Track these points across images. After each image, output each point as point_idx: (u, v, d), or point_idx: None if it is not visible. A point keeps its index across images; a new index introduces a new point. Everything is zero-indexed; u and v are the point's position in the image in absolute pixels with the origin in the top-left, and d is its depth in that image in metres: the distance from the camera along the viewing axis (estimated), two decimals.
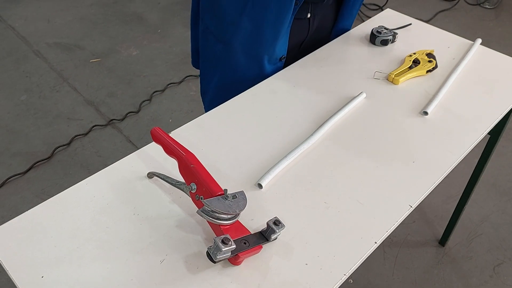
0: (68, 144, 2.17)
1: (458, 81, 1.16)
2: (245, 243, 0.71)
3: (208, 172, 0.76)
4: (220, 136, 0.98)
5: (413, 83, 1.15)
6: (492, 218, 1.86)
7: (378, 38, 1.26)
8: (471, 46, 1.28)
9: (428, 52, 1.23)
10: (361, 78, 1.16)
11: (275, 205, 0.84)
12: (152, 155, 0.92)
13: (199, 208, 0.73)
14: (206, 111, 1.09)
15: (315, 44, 1.25)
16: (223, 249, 0.65)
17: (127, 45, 2.83)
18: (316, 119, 1.03)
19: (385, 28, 1.29)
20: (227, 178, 0.88)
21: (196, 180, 0.75)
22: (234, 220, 0.72)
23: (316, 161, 0.93)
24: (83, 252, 0.74)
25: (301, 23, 1.15)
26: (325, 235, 0.80)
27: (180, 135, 0.97)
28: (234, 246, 0.67)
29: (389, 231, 0.82)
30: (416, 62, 1.19)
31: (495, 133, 1.33)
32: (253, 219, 0.81)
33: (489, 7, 3.27)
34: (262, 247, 0.73)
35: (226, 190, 0.74)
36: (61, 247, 0.75)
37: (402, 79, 1.14)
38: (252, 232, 0.74)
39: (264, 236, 0.75)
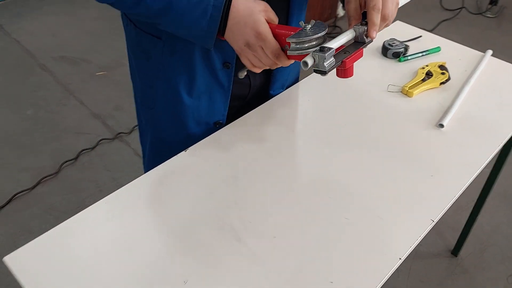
0: (76, 158, 2.16)
1: (472, 92, 1.16)
2: (345, 53, 0.72)
3: (281, 25, 0.78)
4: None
5: (427, 96, 1.15)
6: (504, 228, 1.85)
7: (390, 51, 1.27)
8: (481, 58, 1.28)
9: (440, 64, 1.23)
10: (375, 92, 1.16)
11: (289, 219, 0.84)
12: (167, 172, 0.92)
13: (290, 58, 0.78)
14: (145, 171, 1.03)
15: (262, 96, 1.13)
16: (326, 54, 0.66)
17: None
18: (323, 137, 1.03)
19: (396, 40, 1.29)
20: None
21: (278, 39, 0.77)
22: (323, 42, 0.74)
23: (333, 177, 0.93)
24: (104, 274, 0.74)
25: (239, 80, 1.00)
26: (348, 252, 0.79)
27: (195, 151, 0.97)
28: (334, 48, 0.67)
29: (413, 247, 0.81)
30: (429, 75, 1.19)
31: (508, 143, 1.32)
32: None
33: (491, 16, 3.29)
34: (363, 50, 0.74)
35: (302, 22, 0.76)
36: (82, 269, 0.74)
37: (416, 91, 1.14)
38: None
39: (359, 41, 0.76)
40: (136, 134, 2.27)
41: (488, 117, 1.09)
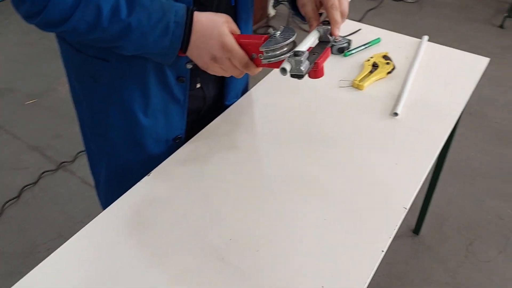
0: (18, 196, 2.02)
1: (417, 78, 1.20)
2: (314, 54, 0.73)
3: (244, 35, 0.79)
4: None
5: (376, 86, 1.18)
6: (456, 200, 1.95)
7: (335, 47, 1.29)
8: (419, 44, 1.34)
9: (383, 54, 1.26)
10: (327, 88, 1.17)
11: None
12: (133, 200, 0.87)
13: (259, 66, 0.78)
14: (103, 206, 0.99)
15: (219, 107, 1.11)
16: (302, 58, 0.67)
17: (64, 81, 2.70)
18: (283, 142, 1.03)
19: (339, 36, 1.31)
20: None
21: (244, 48, 0.77)
22: (294, 47, 0.75)
23: (305, 178, 0.93)
24: None
25: (194, 93, 0.98)
26: (333, 253, 0.79)
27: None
28: (307, 51, 0.68)
29: (392, 237, 0.83)
30: (375, 66, 1.22)
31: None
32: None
33: (411, 1, 3.46)
34: (330, 49, 0.76)
35: (271, 29, 0.77)
36: None
37: (366, 84, 1.17)
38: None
39: (324, 41, 0.78)
40: (81, 161, 2.16)
41: (436, 100, 1.13)
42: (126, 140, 0.97)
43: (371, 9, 3.38)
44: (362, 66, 1.23)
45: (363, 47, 1.32)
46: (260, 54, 0.78)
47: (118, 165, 1.02)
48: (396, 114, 1.08)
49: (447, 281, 1.65)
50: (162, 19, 0.75)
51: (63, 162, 2.17)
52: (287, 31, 0.77)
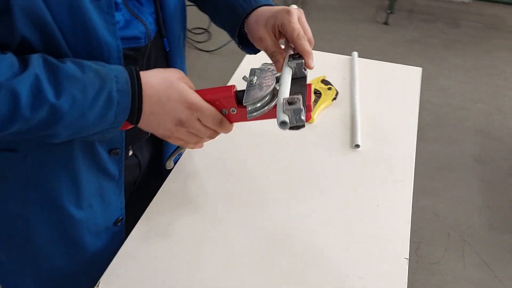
0: None
1: (362, 101, 1.13)
2: (297, 94, 0.61)
3: (205, 89, 0.65)
4: None
5: (326, 116, 1.08)
6: None
7: None
8: (351, 61, 1.27)
9: (321, 78, 1.17)
10: (274, 130, 1.03)
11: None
12: None
13: (233, 121, 0.67)
14: None
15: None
16: (301, 107, 0.56)
17: None
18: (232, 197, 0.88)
19: (270, 64, 1.19)
20: None
21: (214, 104, 0.65)
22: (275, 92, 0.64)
23: (287, 239, 0.79)
24: None
25: (127, 163, 0.81)
26: None
27: None
28: (301, 96, 0.57)
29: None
30: (317, 93, 1.12)
31: None
32: None
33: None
34: (310, 85, 0.67)
35: (235, 86, 0.65)
36: None
37: (314, 115, 1.06)
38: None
39: (298, 77, 0.66)
40: None
41: (390, 124, 1.06)
42: (56, 243, 0.75)
43: None
44: None
45: None
46: (224, 109, 0.65)
47: (48, 278, 0.78)
48: (357, 146, 0.99)
49: None
50: (102, 90, 0.56)
51: None
52: (263, 74, 0.64)
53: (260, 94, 0.61)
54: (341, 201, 0.87)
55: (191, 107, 0.62)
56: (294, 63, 0.65)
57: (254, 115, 0.63)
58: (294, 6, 0.75)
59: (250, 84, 0.63)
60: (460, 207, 1.97)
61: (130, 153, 0.82)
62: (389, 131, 1.03)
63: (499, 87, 2.74)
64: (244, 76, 0.64)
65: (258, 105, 0.62)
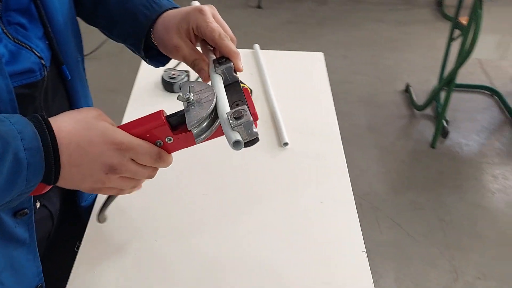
0: None
1: (279, 96, 1.09)
2: (237, 104, 0.54)
3: (129, 123, 0.55)
4: None
5: None
6: None
7: (176, 84, 1.07)
8: (253, 54, 1.23)
9: None
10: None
11: None
12: None
13: (172, 151, 0.57)
14: None
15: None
16: (250, 119, 0.49)
17: None
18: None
19: (170, 70, 1.10)
20: None
21: (145, 137, 0.55)
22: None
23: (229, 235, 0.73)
24: None
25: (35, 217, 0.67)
26: None
27: None
28: (245, 106, 0.51)
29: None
30: (179, 95, 1.05)
31: None
32: None
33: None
34: (247, 88, 0.59)
35: (163, 111, 0.55)
36: None
37: None
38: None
39: (231, 83, 0.58)
40: None
41: (311, 117, 1.04)
42: None
43: None
44: None
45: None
46: (158, 141, 0.55)
47: None
48: (286, 144, 0.95)
49: None
50: (5, 153, 0.44)
51: None
52: (199, 88, 0.54)
53: (204, 112, 0.52)
54: (284, 205, 0.83)
55: (120, 147, 0.52)
56: (222, 68, 0.58)
57: (203, 138, 0.54)
58: (196, 3, 0.67)
59: (188, 103, 0.54)
60: (364, 177, 2.08)
61: (38, 205, 0.68)
62: (312, 124, 1.01)
63: (374, 56, 2.94)
64: (179, 95, 0.54)
65: (204, 125, 0.53)
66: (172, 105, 1.04)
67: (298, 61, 1.23)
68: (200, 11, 0.60)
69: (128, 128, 0.54)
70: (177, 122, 0.55)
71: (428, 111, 2.48)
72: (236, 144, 0.48)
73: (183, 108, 0.54)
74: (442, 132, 2.30)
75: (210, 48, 0.62)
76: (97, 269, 0.71)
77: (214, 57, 0.60)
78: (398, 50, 3.03)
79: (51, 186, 0.51)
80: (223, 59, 0.58)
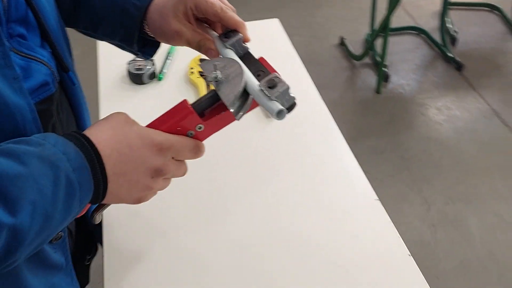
0: None
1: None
2: (259, 75, 0.53)
3: (156, 120, 0.53)
4: None
5: None
6: None
7: (144, 75, 1.03)
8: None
9: (198, 58, 1.08)
10: None
11: None
12: None
13: (203, 139, 0.54)
14: None
15: None
16: (285, 84, 0.49)
17: None
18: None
19: (135, 60, 1.05)
20: None
21: (176, 132, 0.52)
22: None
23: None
24: None
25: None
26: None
27: None
28: (276, 73, 0.50)
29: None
30: (203, 75, 1.04)
31: None
32: None
33: None
34: (262, 57, 0.56)
35: (186, 100, 0.52)
36: None
37: None
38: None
39: (243, 55, 0.56)
40: None
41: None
42: None
43: None
44: (193, 83, 1.03)
45: (169, 61, 1.10)
46: (199, 126, 0.53)
47: None
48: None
49: None
50: (58, 178, 0.41)
51: None
52: (222, 63, 0.53)
53: (238, 88, 0.50)
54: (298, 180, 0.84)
55: (161, 147, 0.49)
56: (232, 41, 0.56)
57: (242, 115, 0.52)
58: None
59: (216, 83, 0.52)
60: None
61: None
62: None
63: (304, 16, 2.98)
64: (206, 76, 0.52)
65: (239, 102, 0.51)
66: (145, 96, 1.01)
67: (258, 31, 1.21)
68: None
69: (157, 125, 0.52)
70: (204, 108, 0.53)
71: (366, 59, 2.58)
72: (280, 114, 0.48)
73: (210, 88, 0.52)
74: (384, 77, 2.40)
75: (207, 26, 0.60)
76: (128, 276, 0.69)
77: (216, 34, 0.59)
78: (324, 6, 3.09)
79: (96, 204, 0.48)
80: (229, 32, 0.57)
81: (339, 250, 0.72)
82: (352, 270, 0.70)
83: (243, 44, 0.57)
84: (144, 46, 0.65)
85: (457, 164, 1.99)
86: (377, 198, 0.81)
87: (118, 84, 1.05)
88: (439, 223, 1.76)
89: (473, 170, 1.96)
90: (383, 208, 0.80)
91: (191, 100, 0.52)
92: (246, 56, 0.56)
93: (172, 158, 0.52)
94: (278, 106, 0.48)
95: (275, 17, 1.35)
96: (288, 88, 0.49)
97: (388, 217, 0.78)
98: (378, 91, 2.38)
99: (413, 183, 1.91)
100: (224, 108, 0.51)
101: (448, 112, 2.25)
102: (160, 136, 0.50)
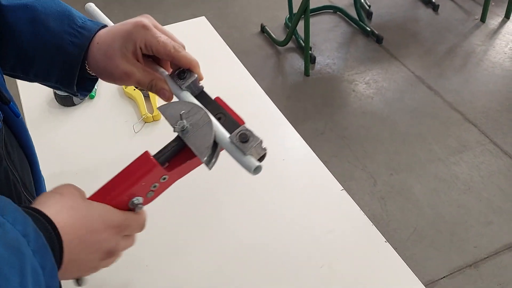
0: None
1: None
2: (219, 118, 0.50)
3: (102, 188, 0.47)
4: None
5: None
6: None
7: (67, 99, 0.93)
8: None
9: None
10: (126, 144, 0.86)
11: None
12: None
13: (163, 190, 0.50)
14: None
15: None
16: (258, 137, 0.47)
17: None
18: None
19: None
20: None
21: (138, 186, 0.47)
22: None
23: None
24: None
25: None
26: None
27: None
28: (245, 126, 0.48)
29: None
30: (143, 91, 0.96)
31: None
32: None
33: None
34: (218, 97, 0.53)
35: (147, 152, 0.48)
36: None
37: (156, 112, 0.92)
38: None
39: (199, 95, 0.54)
40: None
41: (232, 86, 1.01)
42: None
43: None
44: (130, 97, 0.95)
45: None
46: (164, 177, 0.48)
47: None
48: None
49: None
50: (24, 266, 0.35)
51: None
52: (186, 109, 0.49)
53: (208, 138, 0.47)
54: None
55: (119, 229, 0.45)
56: (188, 82, 0.52)
57: (214, 162, 0.49)
58: (91, 5, 0.59)
59: (184, 132, 0.48)
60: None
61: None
62: (240, 98, 0.99)
63: (220, 8, 2.92)
64: (174, 127, 0.47)
65: (210, 151, 0.48)
66: (78, 119, 0.92)
67: (185, 32, 1.16)
68: (143, 27, 0.51)
69: (120, 183, 0.46)
70: (169, 158, 0.48)
71: (290, 44, 2.58)
72: (256, 170, 0.46)
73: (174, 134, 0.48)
74: (310, 59, 2.42)
75: (155, 63, 0.55)
76: None
77: (166, 72, 0.54)
78: None
79: None
80: (182, 72, 0.53)
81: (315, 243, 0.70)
82: (335, 266, 0.68)
83: (198, 84, 0.53)
84: (83, 83, 0.57)
85: (394, 134, 2.06)
86: (342, 188, 0.80)
87: (45, 109, 0.94)
88: (387, 195, 1.82)
89: (409, 138, 2.04)
90: (350, 197, 0.79)
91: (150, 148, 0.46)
92: (201, 95, 0.53)
93: (125, 236, 0.47)
94: (254, 163, 0.46)
95: (191, 13, 1.30)
96: (261, 142, 0.46)
97: (358, 207, 0.77)
98: (307, 73, 2.40)
99: (356, 160, 1.95)
100: (191, 155, 0.48)
101: (376, 85, 2.32)
102: (119, 216, 0.45)
